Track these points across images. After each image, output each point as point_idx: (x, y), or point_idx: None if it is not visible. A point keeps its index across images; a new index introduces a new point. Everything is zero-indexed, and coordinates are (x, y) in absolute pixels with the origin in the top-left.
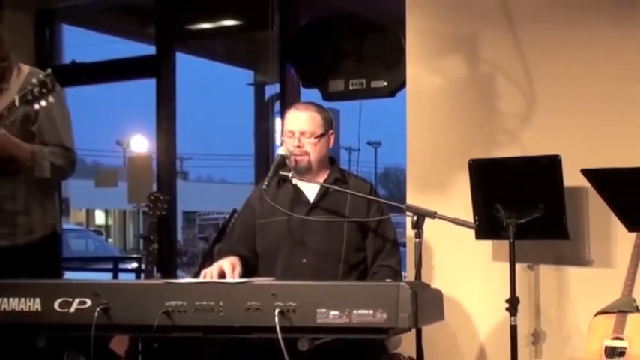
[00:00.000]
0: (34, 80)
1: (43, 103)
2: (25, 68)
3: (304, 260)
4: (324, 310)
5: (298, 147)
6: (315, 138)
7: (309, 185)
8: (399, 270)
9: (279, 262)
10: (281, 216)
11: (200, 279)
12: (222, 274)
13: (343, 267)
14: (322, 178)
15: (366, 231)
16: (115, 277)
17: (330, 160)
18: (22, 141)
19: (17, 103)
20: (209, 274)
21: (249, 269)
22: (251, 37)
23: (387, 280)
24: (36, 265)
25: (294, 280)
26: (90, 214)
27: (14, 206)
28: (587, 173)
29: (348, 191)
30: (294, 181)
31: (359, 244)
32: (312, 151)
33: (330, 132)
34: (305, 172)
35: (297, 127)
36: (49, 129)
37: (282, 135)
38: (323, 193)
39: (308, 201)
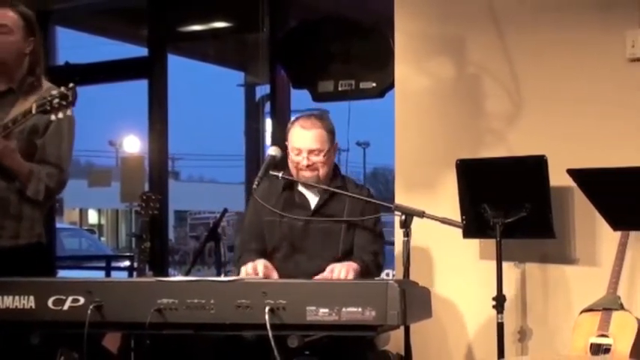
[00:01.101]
0: (54, 92)
1: (60, 115)
2: (46, 84)
3: (300, 264)
4: (313, 307)
5: (308, 166)
6: (324, 155)
7: (311, 190)
8: (380, 251)
9: (277, 262)
10: (284, 217)
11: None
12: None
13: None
14: (325, 184)
15: (358, 231)
16: (108, 275)
17: (335, 167)
18: (22, 158)
19: (34, 110)
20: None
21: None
22: (241, 38)
23: (367, 260)
24: (24, 269)
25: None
26: (83, 214)
27: (6, 209)
28: (572, 173)
29: (347, 194)
30: (299, 188)
31: (352, 244)
32: (322, 167)
33: (336, 142)
34: (311, 184)
35: (305, 146)
36: (53, 147)
37: (286, 149)
38: (325, 201)
39: (309, 207)
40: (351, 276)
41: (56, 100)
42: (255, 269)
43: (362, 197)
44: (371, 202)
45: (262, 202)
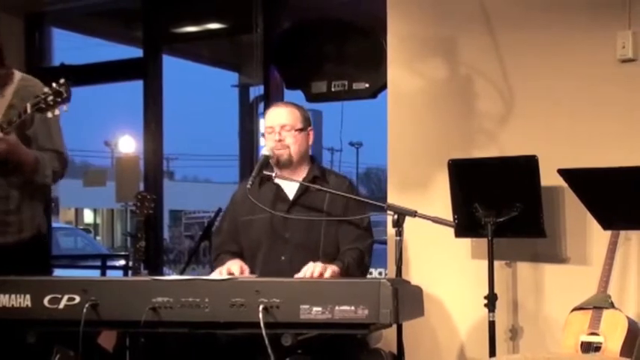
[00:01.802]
0: (47, 89)
1: (57, 112)
2: (17, 74)
3: (283, 258)
4: (307, 306)
5: (279, 140)
6: (296, 131)
7: (289, 183)
8: (366, 251)
9: (258, 259)
10: (262, 214)
11: (186, 276)
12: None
13: (322, 260)
14: (302, 175)
15: (342, 222)
16: (103, 274)
17: (311, 159)
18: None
19: (29, 110)
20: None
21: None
22: (236, 40)
23: (348, 262)
24: (25, 264)
25: (273, 277)
26: (79, 213)
27: (7, 206)
28: (563, 173)
29: (326, 189)
30: (277, 180)
31: (336, 238)
32: (293, 143)
33: (309, 129)
34: (287, 165)
35: (278, 122)
36: (45, 134)
37: (263, 134)
38: (303, 191)
39: (288, 198)
40: (327, 274)
41: (50, 98)
42: (229, 271)
43: (339, 193)
44: (353, 193)
45: (262, 199)
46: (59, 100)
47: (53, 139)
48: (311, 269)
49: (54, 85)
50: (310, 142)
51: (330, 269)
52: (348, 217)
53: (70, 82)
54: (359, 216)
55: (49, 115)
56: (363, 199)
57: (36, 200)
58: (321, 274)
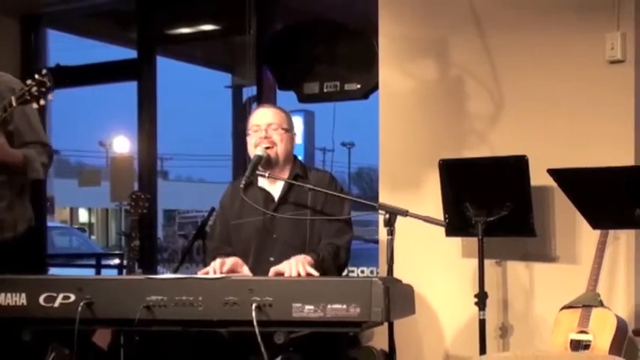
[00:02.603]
0: (29, 81)
1: (42, 102)
2: None
3: (272, 259)
4: (299, 304)
5: (266, 137)
6: (282, 129)
7: (272, 185)
8: (343, 247)
9: (248, 261)
10: (251, 216)
11: (180, 275)
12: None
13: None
14: (286, 173)
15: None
16: (98, 272)
17: (293, 158)
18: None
19: (14, 103)
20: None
21: None
22: (229, 41)
23: (324, 254)
24: (22, 258)
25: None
26: (74, 212)
27: (0, 204)
28: (553, 173)
29: (309, 186)
30: (260, 184)
31: (320, 233)
32: (280, 141)
33: (294, 133)
34: (273, 164)
35: (264, 120)
36: (27, 128)
37: (247, 133)
38: (287, 189)
39: (274, 198)
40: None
41: (35, 89)
42: (221, 267)
43: (321, 189)
44: (334, 187)
45: (250, 201)
46: (43, 90)
47: (36, 132)
48: (295, 269)
49: (36, 76)
50: (294, 144)
51: (306, 261)
52: (330, 212)
53: (51, 77)
54: (344, 213)
55: (35, 106)
56: (344, 197)
57: (25, 195)
58: (306, 273)
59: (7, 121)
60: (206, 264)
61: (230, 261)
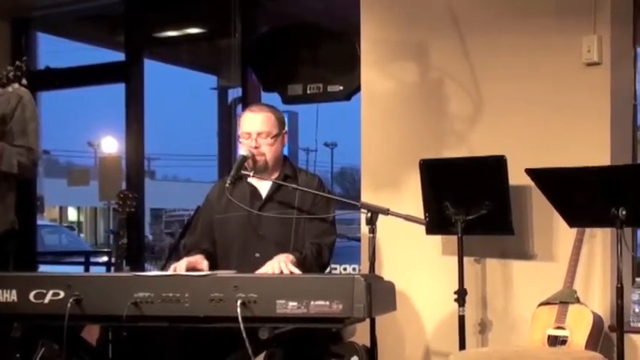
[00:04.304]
0: (9, 67)
1: (16, 85)
2: None
3: (257, 255)
4: (283, 301)
5: (256, 147)
6: (272, 138)
7: (261, 182)
8: (327, 247)
9: (233, 257)
10: (237, 212)
11: (168, 272)
12: (191, 269)
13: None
14: (275, 174)
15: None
16: (87, 270)
17: (284, 158)
18: None
19: None
20: (179, 267)
21: (214, 262)
22: (214, 44)
23: (307, 253)
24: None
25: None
26: (63, 211)
27: None
28: (531, 172)
29: (294, 186)
30: (250, 180)
31: (305, 232)
32: (269, 151)
33: (284, 131)
34: (262, 170)
35: (254, 129)
36: (19, 131)
37: (238, 137)
38: (275, 188)
39: (261, 196)
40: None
41: (12, 73)
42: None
43: (309, 190)
44: (323, 190)
45: (237, 197)
46: (19, 73)
47: (27, 137)
48: (277, 268)
49: (17, 62)
50: (284, 143)
51: (289, 260)
52: (316, 214)
53: (27, 63)
54: (326, 215)
55: (9, 89)
56: (332, 197)
57: (7, 199)
58: (289, 271)
59: (5, 122)
60: (180, 258)
61: (185, 261)
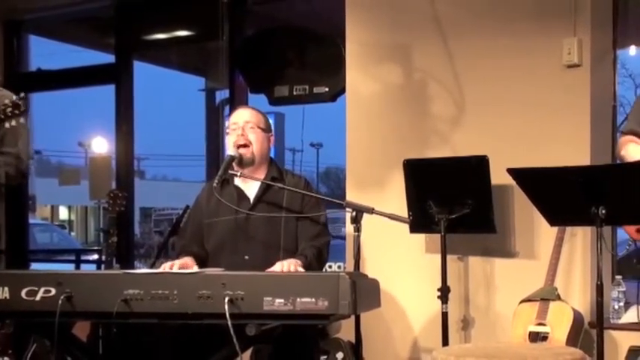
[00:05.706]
0: (7, 101)
1: (14, 123)
2: None
3: (246, 257)
4: (270, 298)
5: (242, 134)
6: (259, 129)
7: (248, 185)
8: (324, 248)
9: (223, 260)
10: (225, 215)
11: (157, 270)
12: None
13: (283, 255)
14: (262, 175)
15: (300, 218)
16: (78, 267)
17: (270, 160)
18: None
19: None
20: (169, 266)
21: (204, 265)
22: (202, 46)
23: (309, 256)
24: None
25: None
26: (54, 210)
27: None
28: (512, 172)
29: (285, 187)
30: (236, 183)
31: (295, 234)
32: (255, 140)
33: (271, 134)
34: (249, 164)
35: (242, 119)
36: (10, 140)
37: (226, 131)
38: (263, 190)
39: (249, 198)
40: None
41: (9, 109)
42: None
43: (297, 190)
44: (310, 191)
45: (225, 201)
46: (17, 112)
47: (17, 148)
48: (285, 266)
49: (14, 97)
50: (271, 145)
51: (298, 265)
52: (308, 214)
53: (26, 102)
54: (318, 213)
55: (7, 125)
56: (320, 196)
57: None
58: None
59: None
60: (169, 256)
61: (178, 262)
